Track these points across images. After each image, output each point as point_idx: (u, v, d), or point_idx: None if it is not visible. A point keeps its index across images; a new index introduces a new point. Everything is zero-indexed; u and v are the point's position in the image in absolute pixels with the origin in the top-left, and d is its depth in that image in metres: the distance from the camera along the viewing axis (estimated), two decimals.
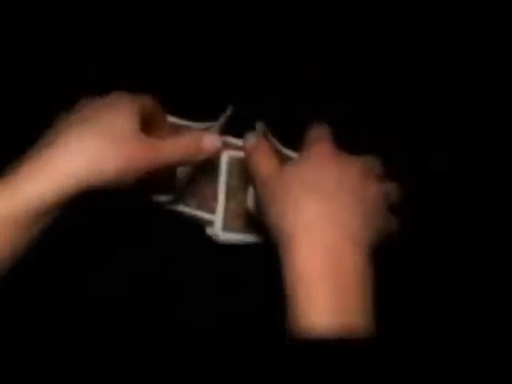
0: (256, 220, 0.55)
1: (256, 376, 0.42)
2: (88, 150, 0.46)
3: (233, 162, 0.59)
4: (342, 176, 0.49)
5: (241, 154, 0.58)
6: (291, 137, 0.62)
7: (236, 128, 0.63)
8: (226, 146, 0.61)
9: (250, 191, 0.55)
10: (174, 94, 0.64)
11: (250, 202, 0.55)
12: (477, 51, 0.70)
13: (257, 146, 0.53)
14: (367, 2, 0.72)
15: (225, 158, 0.59)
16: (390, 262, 0.56)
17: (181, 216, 0.60)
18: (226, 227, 0.57)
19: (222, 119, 0.61)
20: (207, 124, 0.62)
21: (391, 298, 0.56)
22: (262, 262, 0.55)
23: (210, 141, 0.53)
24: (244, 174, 0.58)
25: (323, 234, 0.44)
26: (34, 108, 0.66)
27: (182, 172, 0.57)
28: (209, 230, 0.58)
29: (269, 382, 0.41)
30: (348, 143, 0.55)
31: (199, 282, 0.60)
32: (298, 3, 0.72)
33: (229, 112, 0.62)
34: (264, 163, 0.52)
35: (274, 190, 0.49)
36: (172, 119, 0.61)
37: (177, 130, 0.61)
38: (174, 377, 0.55)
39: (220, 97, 0.67)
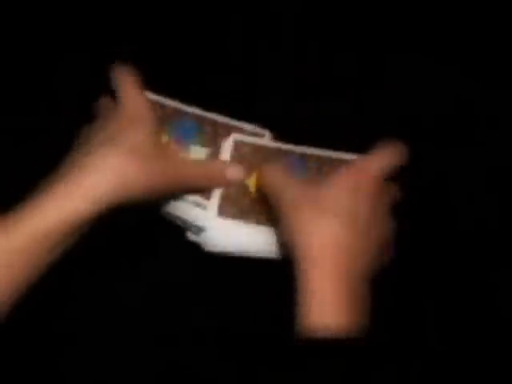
0: (255, 208, 0.54)
1: (263, 377, 0.43)
2: (115, 170, 0.46)
3: (237, 146, 0.56)
4: (370, 210, 0.49)
5: (247, 138, 0.57)
6: (291, 137, 0.62)
7: None
8: (233, 129, 0.58)
9: (254, 177, 0.55)
10: (175, 94, 0.64)
11: (253, 188, 0.54)
12: (477, 51, 0.70)
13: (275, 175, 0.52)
14: (367, 2, 0.72)
15: (230, 142, 0.56)
16: (391, 263, 0.56)
17: (173, 220, 0.59)
18: (221, 213, 0.55)
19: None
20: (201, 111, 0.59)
21: (392, 299, 0.56)
22: (267, 270, 0.55)
23: (236, 171, 0.54)
24: (247, 159, 0.56)
25: (337, 261, 0.46)
26: (34, 108, 0.66)
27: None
28: (192, 236, 0.56)
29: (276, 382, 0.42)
30: (348, 143, 0.55)
31: (207, 287, 0.61)
32: (298, 3, 0.72)
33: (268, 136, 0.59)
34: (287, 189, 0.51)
35: (302, 211, 0.48)
36: (152, 96, 0.58)
37: (158, 107, 0.58)
38: (185, 378, 0.55)
39: (220, 97, 0.67)
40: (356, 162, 0.51)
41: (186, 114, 0.59)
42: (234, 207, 0.55)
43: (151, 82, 0.55)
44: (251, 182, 0.55)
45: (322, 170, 0.56)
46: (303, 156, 0.56)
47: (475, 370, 0.56)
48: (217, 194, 0.55)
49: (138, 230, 0.61)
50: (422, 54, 0.70)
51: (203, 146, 0.56)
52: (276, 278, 0.48)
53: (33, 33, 0.70)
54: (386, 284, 0.50)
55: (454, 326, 0.59)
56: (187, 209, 0.56)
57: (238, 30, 0.71)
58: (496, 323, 0.59)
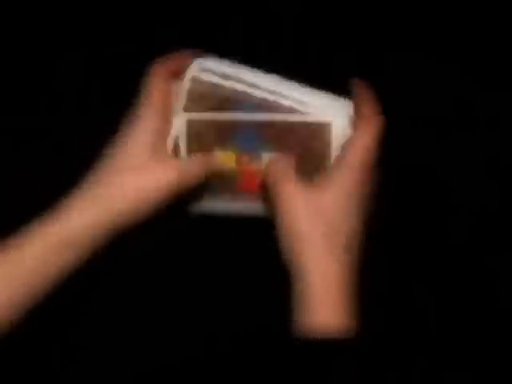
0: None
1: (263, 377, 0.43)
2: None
3: (191, 125, 0.53)
4: (359, 212, 0.48)
5: (201, 115, 0.53)
6: None
7: None
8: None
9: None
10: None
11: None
12: (477, 51, 0.70)
13: (281, 173, 0.50)
14: (367, 2, 0.72)
15: (183, 120, 0.53)
16: (389, 253, 0.56)
17: None
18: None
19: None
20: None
21: (391, 289, 0.56)
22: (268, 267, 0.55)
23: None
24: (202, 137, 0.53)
25: (334, 267, 0.46)
26: (34, 108, 0.66)
27: None
28: None
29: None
30: None
31: (205, 285, 0.61)
32: (298, 3, 0.72)
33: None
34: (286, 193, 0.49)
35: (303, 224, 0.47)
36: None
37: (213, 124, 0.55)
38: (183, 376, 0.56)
39: None
40: (346, 159, 0.49)
41: (241, 123, 0.54)
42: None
43: None
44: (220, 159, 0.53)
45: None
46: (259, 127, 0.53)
47: (475, 359, 0.56)
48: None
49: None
50: (422, 54, 0.70)
51: (272, 150, 0.53)
52: (273, 272, 0.48)
53: (33, 33, 0.70)
54: (383, 274, 0.50)
55: (453, 314, 0.60)
56: None
57: (237, 30, 0.71)
58: (495, 310, 0.59)
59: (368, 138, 0.49)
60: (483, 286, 0.61)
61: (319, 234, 0.46)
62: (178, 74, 0.53)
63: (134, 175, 0.48)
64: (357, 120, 0.50)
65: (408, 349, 0.52)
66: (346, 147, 0.49)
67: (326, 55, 0.71)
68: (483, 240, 0.63)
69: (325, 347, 0.42)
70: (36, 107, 0.66)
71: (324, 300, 0.45)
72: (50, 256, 0.45)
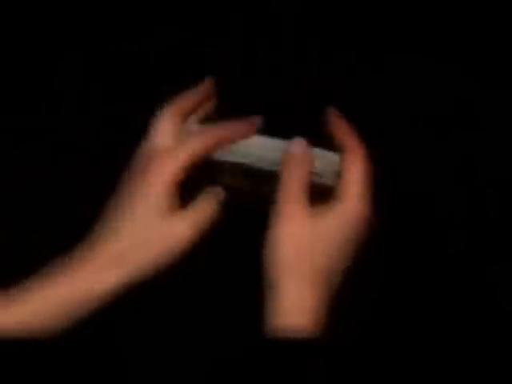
0: None
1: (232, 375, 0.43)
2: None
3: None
4: (351, 253, 0.48)
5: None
6: (290, 136, 0.62)
7: None
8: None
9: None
10: (174, 95, 0.64)
11: None
12: (477, 51, 0.70)
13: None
14: (367, 2, 0.72)
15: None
16: (386, 261, 0.56)
17: None
18: None
19: None
20: None
21: (386, 295, 0.56)
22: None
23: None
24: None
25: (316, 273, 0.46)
26: (34, 108, 0.66)
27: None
28: None
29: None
30: None
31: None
32: (298, 3, 0.72)
33: None
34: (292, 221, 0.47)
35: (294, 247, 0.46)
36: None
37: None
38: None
39: (219, 97, 0.67)
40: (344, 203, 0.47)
41: None
42: None
43: (150, 83, 0.55)
44: None
45: None
46: None
47: (474, 368, 0.56)
48: None
49: None
50: (422, 54, 0.70)
51: None
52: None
53: (33, 33, 0.70)
54: (379, 284, 0.50)
55: (452, 322, 0.60)
56: None
57: (238, 29, 0.71)
58: (496, 317, 0.59)
59: (356, 171, 0.48)
60: (483, 296, 0.61)
61: (303, 266, 0.45)
62: (188, 115, 0.52)
63: (152, 236, 0.46)
64: (341, 152, 0.50)
65: (406, 351, 0.52)
66: (339, 183, 0.48)
67: (326, 55, 0.71)
68: (483, 248, 0.63)
69: (292, 347, 0.42)
70: (36, 107, 0.66)
71: (295, 315, 0.44)
72: (57, 313, 0.44)
